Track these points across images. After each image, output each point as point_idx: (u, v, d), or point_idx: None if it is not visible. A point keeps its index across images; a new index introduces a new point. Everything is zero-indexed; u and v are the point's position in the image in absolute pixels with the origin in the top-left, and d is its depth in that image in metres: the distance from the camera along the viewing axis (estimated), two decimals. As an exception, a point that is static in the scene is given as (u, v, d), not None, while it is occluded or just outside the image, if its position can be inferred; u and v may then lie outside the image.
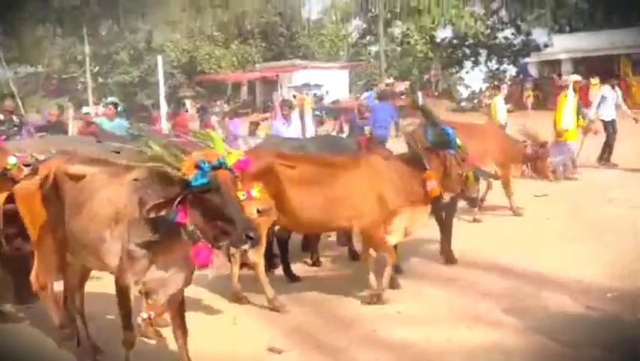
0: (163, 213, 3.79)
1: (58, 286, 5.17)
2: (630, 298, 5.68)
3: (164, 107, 16.74)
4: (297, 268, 7.15)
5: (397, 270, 6.65)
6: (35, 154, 5.50)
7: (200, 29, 42.25)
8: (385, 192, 5.77)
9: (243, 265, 6.29)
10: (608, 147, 13.14)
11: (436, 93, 37.93)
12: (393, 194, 5.77)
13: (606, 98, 13.06)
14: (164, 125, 14.35)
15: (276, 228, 6.46)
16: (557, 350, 4.77)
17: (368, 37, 44.24)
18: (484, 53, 40.16)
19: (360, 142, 8.04)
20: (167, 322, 4.86)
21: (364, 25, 43.63)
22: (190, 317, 4.60)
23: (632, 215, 8.83)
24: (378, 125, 11.37)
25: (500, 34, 39.31)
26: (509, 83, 34.14)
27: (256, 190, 4.97)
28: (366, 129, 10.80)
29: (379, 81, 31.74)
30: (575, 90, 12.20)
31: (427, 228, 6.74)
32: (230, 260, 5.94)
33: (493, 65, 40.13)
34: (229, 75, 40.60)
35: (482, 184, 8.88)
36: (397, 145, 7.62)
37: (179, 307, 4.39)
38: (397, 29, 40.10)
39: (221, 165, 3.82)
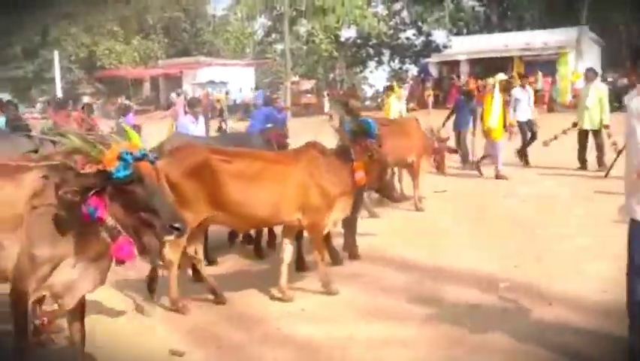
0: (77, 200, 3.64)
1: None
2: (522, 288, 5.98)
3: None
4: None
5: (301, 267, 6.74)
6: None
7: (99, 23, 40.80)
8: (325, 184, 5.86)
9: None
10: (523, 147, 13.46)
11: (341, 92, 38.46)
12: (331, 186, 5.88)
13: (519, 100, 13.06)
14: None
15: None
16: (458, 338, 4.95)
17: (274, 36, 44.27)
18: (387, 52, 41.21)
19: (270, 138, 8.02)
20: (60, 328, 4.67)
21: (270, 23, 43.61)
22: (89, 318, 4.43)
23: (522, 209, 9.33)
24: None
25: (402, 35, 40.47)
26: (411, 82, 35.24)
27: None
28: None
29: (285, 79, 31.80)
30: (501, 90, 12.15)
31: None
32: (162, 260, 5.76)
33: (396, 64, 41.23)
34: (130, 71, 39.50)
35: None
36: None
37: (80, 309, 4.22)
38: (303, 28, 40.39)
39: (143, 157, 3.75)
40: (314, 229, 6.00)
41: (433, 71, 35.73)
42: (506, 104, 12.39)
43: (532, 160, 13.32)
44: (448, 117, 13.88)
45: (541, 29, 34.88)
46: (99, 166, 3.69)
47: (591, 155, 12.48)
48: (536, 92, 21.21)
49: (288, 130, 12.01)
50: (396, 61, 41.00)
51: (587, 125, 12.43)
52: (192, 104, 10.49)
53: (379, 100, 34.22)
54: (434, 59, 36.75)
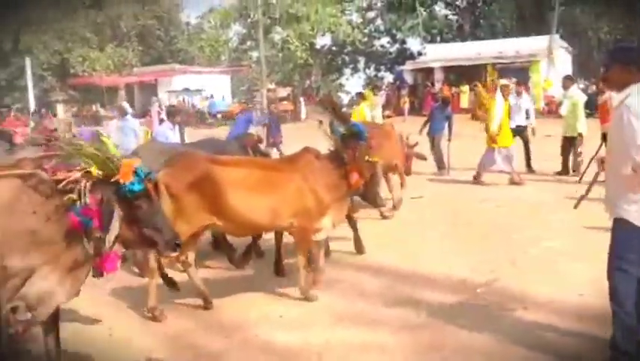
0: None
1: None
2: (498, 291, 6.03)
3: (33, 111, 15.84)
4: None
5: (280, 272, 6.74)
6: None
7: (72, 30, 40.40)
8: (321, 189, 5.93)
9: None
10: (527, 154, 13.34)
11: (317, 99, 38.55)
12: (326, 190, 5.96)
13: (512, 107, 12.75)
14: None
15: None
16: (436, 343, 4.96)
17: (249, 43, 44.28)
18: (362, 60, 41.46)
19: (245, 144, 8.02)
20: (35, 337, 4.59)
21: (244, 31, 43.60)
22: (65, 327, 4.36)
23: (499, 214, 9.42)
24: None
25: (377, 43, 40.77)
26: (387, 89, 35.44)
27: None
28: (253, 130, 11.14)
29: (261, 86, 31.78)
30: (503, 95, 12.00)
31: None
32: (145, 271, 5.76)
33: (372, 71, 41.48)
34: (104, 79, 39.14)
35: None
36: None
37: (53, 318, 4.15)
38: (277, 35, 40.43)
39: (148, 175, 3.86)
40: (304, 234, 6.02)
41: (408, 78, 36.01)
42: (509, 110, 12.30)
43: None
44: (425, 124, 13.98)
45: (513, 37, 35.37)
46: (115, 178, 3.78)
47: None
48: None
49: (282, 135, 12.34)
50: (372, 68, 41.31)
51: (565, 132, 12.61)
52: (172, 113, 10.61)
53: (354, 107, 34.37)
54: (409, 66, 37.04)
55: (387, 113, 13.20)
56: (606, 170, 4.35)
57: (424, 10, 40.37)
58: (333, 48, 40.61)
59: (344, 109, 28.44)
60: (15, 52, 38.01)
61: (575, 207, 5.03)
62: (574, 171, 12.19)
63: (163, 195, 5.24)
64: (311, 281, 6.19)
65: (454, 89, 31.07)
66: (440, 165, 13.60)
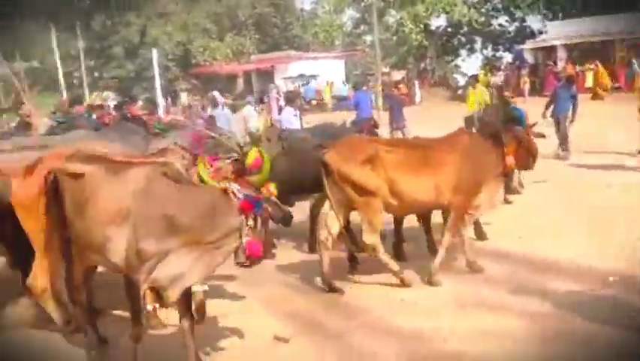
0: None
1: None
2: (629, 280, 5.75)
3: (160, 100, 16.69)
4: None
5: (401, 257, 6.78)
6: None
7: (193, 22, 42.10)
8: (479, 168, 6.13)
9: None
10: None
11: (432, 82, 37.93)
12: (483, 170, 6.16)
13: None
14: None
15: None
16: (564, 333, 4.83)
17: (362, 27, 44.09)
18: (479, 40, 40.16)
19: (362, 128, 8.12)
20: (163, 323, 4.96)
21: (358, 15, 43.48)
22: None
23: (624, 199, 8.94)
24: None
25: (495, 22, 39.31)
26: (506, 70, 34.24)
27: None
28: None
29: (375, 70, 31.65)
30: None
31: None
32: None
33: (489, 52, 40.15)
34: (223, 67, 40.53)
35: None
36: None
37: (186, 299, 4.43)
38: (391, 18, 39.99)
39: None
40: (460, 212, 6.16)
41: (529, 58, 34.58)
42: None
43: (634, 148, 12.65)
44: (548, 105, 13.40)
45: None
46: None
47: None
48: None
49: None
50: (489, 48, 39.93)
51: None
52: (291, 99, 10.80)
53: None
54: (529, 45, 35.50)
55: (506, 94, 12.75)
56: None
57: (546, -14, 38.50)
58: (449, 29, 39.61)
59: (460, 91, 28.01)
60: (142, 44, 40.19)
61: None
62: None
63: (333, 177, 5.74)
64: (470, 263, 6.34)
65: (578, 68, 29.51)
66: (564, 146, 13.01)
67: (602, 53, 27.82)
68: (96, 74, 42.72)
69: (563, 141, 12.98)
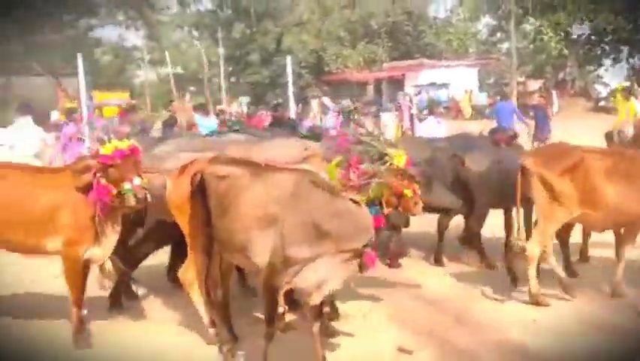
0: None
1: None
2: None
3: (292, 106, 17.10)
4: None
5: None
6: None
7: (327, 30, 42.90)
8: None
9: None
10: None
11: (572, 92, 36.16)
12: None
13: None
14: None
15: None
16: None
17: (498, 35, 42.97)
18: (625, 49, 37.80)
19: (498, 138, 7.88)
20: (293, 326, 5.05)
21: (494, 23, 42.39)
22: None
23: None
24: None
25: (644, 29, 36.83)
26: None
27: None
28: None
29: (510, 79, 30.67)
30: None
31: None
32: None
33: (636, 61, 37.65)
34: (355, 74, 40.95)
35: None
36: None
37: (319, 304, 4.51)
38: (529, 26, 38.61)
39: None
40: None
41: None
42: None
43: None
44: None
45: None
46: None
47: None
48: None
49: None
50: (637, 58, 37.45)
51: None
52: (431, 109, 10.72)
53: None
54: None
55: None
56: None
57: None
58: (592, 37, 37.65)
59: (602, 103, 26.57)
60: (278, 52, 41.51)
61: None
62: None
63: (535, 183, 5.63)
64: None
65: None
66: None
67: None
68: (232, 79, 44.66)
69: None
